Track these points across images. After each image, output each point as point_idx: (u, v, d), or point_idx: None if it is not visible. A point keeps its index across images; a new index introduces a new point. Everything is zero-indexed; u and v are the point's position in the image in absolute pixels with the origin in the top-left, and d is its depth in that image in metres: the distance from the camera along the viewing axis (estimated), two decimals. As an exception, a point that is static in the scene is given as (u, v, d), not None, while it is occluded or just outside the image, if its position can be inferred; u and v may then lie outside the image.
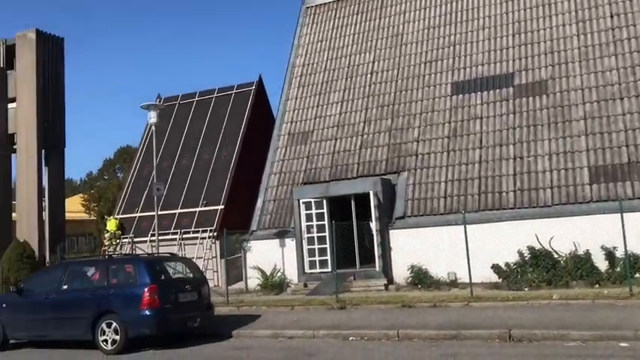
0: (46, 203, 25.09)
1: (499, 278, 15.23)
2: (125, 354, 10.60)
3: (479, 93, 18.54)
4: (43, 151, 25.18)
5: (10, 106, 25.70)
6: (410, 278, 16.22)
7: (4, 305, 12.16)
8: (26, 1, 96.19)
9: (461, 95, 18.78)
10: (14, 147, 25.62)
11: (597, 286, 13.89)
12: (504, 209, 16.12)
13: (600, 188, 15.39)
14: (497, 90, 18.33)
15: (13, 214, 25.79)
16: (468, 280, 14.12)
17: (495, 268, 15.30)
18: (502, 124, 17.62)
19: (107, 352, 10.68)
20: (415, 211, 17.16)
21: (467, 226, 14.18)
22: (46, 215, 24.95)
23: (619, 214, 12.84)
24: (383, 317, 12.20)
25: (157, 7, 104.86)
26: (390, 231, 16.98)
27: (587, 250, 14.50)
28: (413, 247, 16.25)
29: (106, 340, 10.75)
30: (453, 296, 14.03)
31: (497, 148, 17.24)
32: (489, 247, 15.15)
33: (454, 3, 20.88)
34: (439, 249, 15.93)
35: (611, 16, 18.08)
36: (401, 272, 16.52)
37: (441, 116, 18.66)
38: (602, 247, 14.36)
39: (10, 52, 25.96)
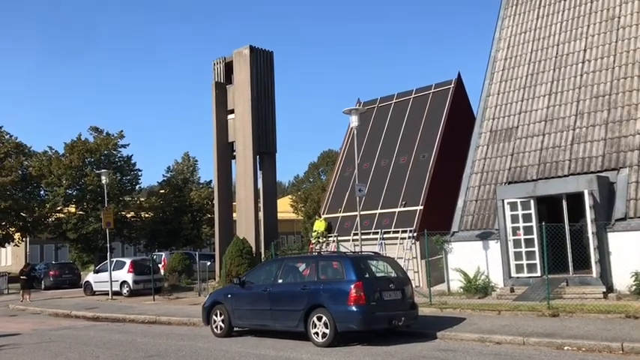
0: (260, 204, 27.49)
1: None
2: (334, 347, 11.10)
3: None
4: (257, 156, 27.65)
5: (229, 117, 28.67)
6: (634, 286, 14.54)
7: (229, 296, 13.43)
8: (238, 17, 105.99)
9: (695, 79, 16.35)
10: (234, 154, 28.51)
11: None
12: None
13: None
14: None
15: (234, 214, 28.72)
16: None
17: None
18: None
19: (318, 344, 11.27)
20: (639, 212, 15.35)
21: None
22: (261, 215, 27.34)
23: None
24: (603, 327, 11.12)
25: (349, 12, 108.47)
26: (609, 234, 15.41)
27: None
28: (637, 252, 14.53)
29: (317, 333, 11.36)
30: (689, 309, 12.27)
31: None
32: None
33: (683, -25, 18.26)
34: (670, 255, 14.04)
35: None
36: (622, 279, 14.89)
37: (669, 105, 16.45)
38: None
39: (229, 68, 28.94)
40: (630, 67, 17.84)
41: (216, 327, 13.31)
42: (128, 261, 26.63)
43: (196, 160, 48.40)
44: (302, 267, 12.97)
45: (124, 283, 25.66)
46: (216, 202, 28.78)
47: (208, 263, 26.81)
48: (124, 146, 43.06)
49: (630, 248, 14.73)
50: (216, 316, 13.36)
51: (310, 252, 21.30)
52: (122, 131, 42.70)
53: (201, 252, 35.77)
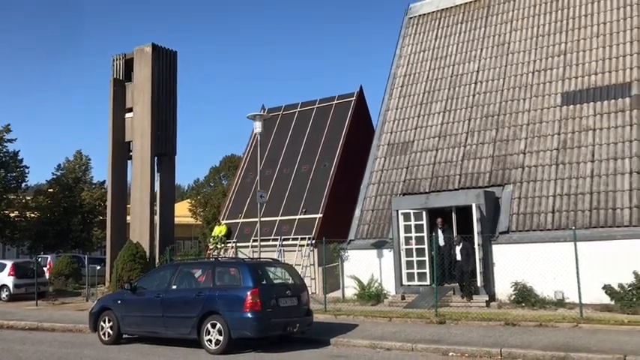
0: (157, 207, 26.67)
1: (611, 300, 14.26)
2: (227, 354, 10.97)
3: (591, 103, 17.55)
4: (155, 158, 26.82)
5: (127, 115, 27.63)
6: (513, 296, 15.59)
7: (119, 302, 12.93)
8: (141, 16, 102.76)
9: (571, 106, 17.86)
10: (130, 154, 27.47)
11: None
12: (618, 227, 15.10)
13: None
14: (612, 100, 17.26)
15: (128, 217, 27.63)
16: (576, 300, 13.36)
17: (607, 289, 14.33)
18: (617, 136, 16.56)
19: (211, 351, 11.09)
20: (520, 226, 16.49)
21: (577, 243, 13.43)
22: (157, 219, 26.51)
23: None
24: (485, 334, 11.80)
25: (262, 21, 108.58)
26: (493, 246, 16.43)
27: None
28: (517, 264, 15.57)
29: (210, 340, 11.18)
30: (560, 316, 13.32)
31: (612, 161, 16.21)
32: (601, 266, 14.31)
33: (565, 10, 19.94)
34: (545, 266, 15.14)
35: None
36: (503, 289, 15.92)
37: (549, 127, 17.85)
38: None
39: (129, 65, 27.93)
40: (517, 91, 19.19)
41: (104, 334, 12.76)
42: (9, 263, 24.82)
43: (89, 159, 46.12)
44: (198, 273, 12.73)
45: (3, 286, 23.88)
46: (109, 203, 27.55)
47: (98, 267, 25.63)
48: (10, 141, 40.20)
49: (511, 260, 15.76)
50: (105, 322, 12.81)
51: (207, 258, 20.97)
52: (9, 125, 39.82)
53: (91, 255, 34.06)
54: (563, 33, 19.47)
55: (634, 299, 13.81)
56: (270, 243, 21.94)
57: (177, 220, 30.13)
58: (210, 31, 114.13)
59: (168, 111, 27.71)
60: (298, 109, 26.26)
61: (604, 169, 16.20)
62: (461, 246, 16.07)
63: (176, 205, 31.58)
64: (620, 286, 14.20)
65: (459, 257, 16.07)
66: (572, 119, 17.61)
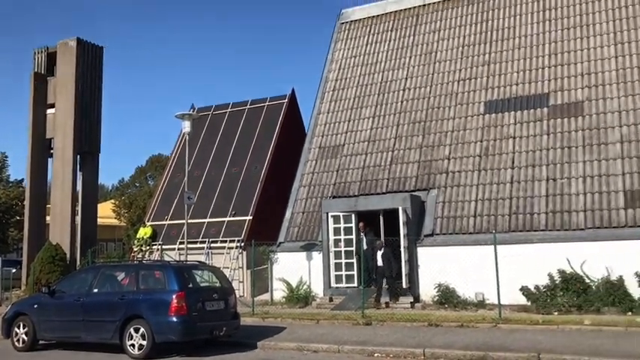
0: (79, 208, 25.61)
1: (528, 301, 14.95)
2: (151, 359, 10.69)
3: (512, 112, 18.37)
4: (78, 156, 25.77)
5: (48, 111, 26.42)
6: (437, 297, 16.05)
7: (35, 306, 12.37)
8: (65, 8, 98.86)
9: (494, 114, 18.63)
10: (51, 151, 26.28)
11: (630, 313, 13.53)
12: (535, 231, 15.87)
13: (635, 213, 15.04)
14: (532, 110, 18.14)
15: (47, 217, 26.40)
16: (495, 302, 13.89)
17: (524, 290, 15.03)
18: (535, 144, 17.41)
19: (134, 356, 10.80)
20: (444, 229, 17.02)
21: (497, 246, 14.01)
22: (78, 219, 25.46)
23: (655, 241, 12.54)
24: (409, 335, 12.08)
25: (189, 19, 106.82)
26: (418, 248, 16.86)
27: (621, 276, 14.14)
28: (441, 266, 16.05)
29: (133, 345, 10.87)
30: (480, 317, 13.82)
31: (530, 168, 17.02)
32: (519, 269, 14.94)
33: (489, 22, 20.81)
34: (467, 268, 15.69)
35: (651, 39, 17.79)
36: (428, 290, 16.36)
37: (472, 135, 18.53)
38: (636, 274, 14.02)
39: (51, 59, 26.73)
40: (443, 98, 19.80)
41: (18, 340, 12.15)
42: None
43: (6, 156, 43.78)
44: (121, 276, 12.35)
45: None
46: (27, 203, 26.20)
47: (14, 270, 24.31)
48: None
49: (435, 262, 16.21)
50: (19, 328, 12.20)
51: (131, 260, 20.36)
52: None
53: (5, 257, 32.28)
54: (487, 44, 20.29)
55: (548, 300, 14.54)
56: (198, 245, 21.57)
57: (100, 221, 29.04)
58: (140, 28, 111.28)
59: (93, 108, 26.71)
60: (229, 110, 25.99)
61: (523, 175, 16.98)
62: (382, 251, 16.34)
63: (99, 205, 30.41)
64: (536, 287, 14.92)
65: (380, 262, 16.31)
66: (494, 127, 18.36)
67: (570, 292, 14.39)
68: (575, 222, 15.55)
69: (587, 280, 14.51)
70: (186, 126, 17.01)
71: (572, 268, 14.71)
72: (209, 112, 26.21)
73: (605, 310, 13.85)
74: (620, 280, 14.12)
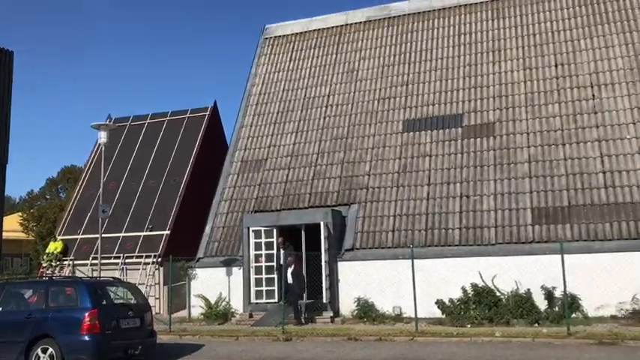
0: (-18, 220, 24.01)
1: (443, 314, 15.43)
2: (60, 382, 10.16)
3: (429, 131, 19.06)
4: (-17, 166, 24.21)
5: (-50, 117, 24.69)
6: (356, 311, 16.25)
7: None
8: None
9: (412, 133, 19.25)
10: (-48, 160, 24.54)
11: (537, 324, 14.25)
12: (450, 246, 16.46)
13: (542, 229, 15.93)
14: (447, 130, 18.88)
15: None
16: (413, 315, 14.27)
17: (440, 304, 15.50)
18: (450, 162, 18.11)
19: (40, 379, 10.21)
20: (364, 243, 17.31)
21: (414, 260, 14.39)
22: (-19, 233, 23.85)
23: (559, 255, 13.33)
24: (329, 350, 12.15)
25: (108, 27, 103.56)
26: (339, 263, 17.03)
27: (529, 289, 14.88)
28: (360, 280, 16.31)
29: (40, 367, 10.28)
30: (397, 330, 14.13)
31: (445, 185, 17.67)
32: (434, 282, 15.41)
33: (408, 44, 21.58)
34: (385, 283, 16.05)
35: (556, 66, 19.04)
36: (347, 305, 16.54)
37: (392, 152, 19.04)
38: (542, 287, 14.75)
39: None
40: (364, 116, 20.26)
41: None
42: None
43: None
44: (28, 293, 11.65)
45: None
46: None
47: None
48: None
49: (355, 276, 16.46)
50: None
51: (40, 276, 19.29)
52: None
53: None
54: (406, 65, 21.00)
55: (462, 313, 15.07)
56: (112, 261, 20.75)
57: (5, 235, 27.29)
58: (54, 35, 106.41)
59: (1, 115, 25.23)
60: (148, 121, 25.33)
61: (438, 192, 17.60)
62: (292, 268, 16.22)
63: (5, 218, 28.65)
64: (451, 300, 15.44)
65: (289, 280, 16.14)
66: (411, 145, 18.96)
67: (482, 305, 14.98)
68: (487, 237, 16.27)
69: (498, 294, 15.17)
70: (103, 136, 16.48)
71: (483, 281, 15.34)
72: (127, 122, 25.44)
73: (514, 322, 14.52)
74: (528, 292, 14.86)
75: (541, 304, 14.74)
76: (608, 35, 19.10)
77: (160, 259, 20.39)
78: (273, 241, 17.37)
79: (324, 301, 16.55)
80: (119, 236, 21.61)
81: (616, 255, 14.59)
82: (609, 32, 19.16)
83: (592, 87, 18.19)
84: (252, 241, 17.55)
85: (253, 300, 17.37)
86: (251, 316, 16.98)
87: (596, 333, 12.52)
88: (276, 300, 16.93)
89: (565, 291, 13.38)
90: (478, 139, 18.31)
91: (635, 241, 14.83)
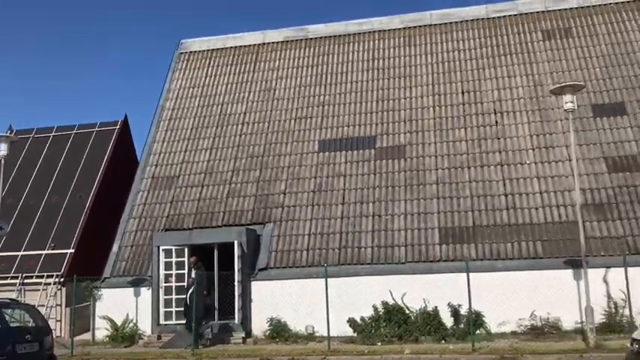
0: None
1: (354, 332, 15.60)
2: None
3: (343, 152, 19.40)
4: None
5: None
6: (268, 331, 16.11)
7: None
8: None
9: (327, 153, 19.53)
10: None
11: (444, 341, 14.71)
12: (362, 264, 16.72)
13: (449, 249, 16.55)
14: (360, 151, 19.31)
15: None
16: (325, 334, 14.34)
17: (351, 322, 15.68)
18: (363, 182, 18.51)
19: None
20: (278, 262, 17.25)
21: (327, 279, 14.49)
22: None
23: (464, 274, 13.90)
24: (240, 371, 11.95)
25: (16, 33, 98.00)
26: (252, 282, 16.86)
27: (436, 307, 15.36)
28: (273, 300, 16.22)
29: None
30: (310, 350, 14.14)
31: (358, 205, 18.01)
32: (347, 301, 15.59)
33: (324, 66, 21.99)
34: (299, 302, 16.04)
35: (463, 93, 20.04)
36: (260, 325, 16.36)
37: (307, 171, 19.20)
38: (448, 304, 15.25)
39: None
40: (281, 135, 20.34)
41: None
42: None
43: None
44: None
45: None
46: None
47: None
48: None
49: (268, 296, 16.35)
50: None
51: None
52: None
53: None
54: (322, 86, 21.36)
55: (373, 331, 15.31)
56: (9, 281, 19.45)
57: None
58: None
59: None
60: (53, 134, 24.14)
61: (352, 211, 17.91)
62: (191, 290, 15.60)
63: None
64: (362, 319, 15.66)
65: (189, 302, 15.51)
66: (327, 165, 19.22)
67: (392, 323, 15.29)
68: (397, 256, 16.69)
69: (407, 311, 15.55)
70: (2, 149, 15.52)
71: (394, 299, 15.69)
72: (30, 135, 24.10)
73: (422, 339, 14.92)
74: (436, 310, 15.35)
75: (448, 321, 15.25)
76: (511, 66, 20.40)
77: (62, 279, 19.34)
78: (184, 261, 16.94)
79: (236, 321, 16.28)
80: (18, 254, 20.32)
81: (516, 273, 15.42)
82: (511, 63, 20.46)
83: (495, 114, 19.28)
84: (163, 260, 17.03)
85: (162, 321, 16.80)
86: (159, 337, 16.40)
87: (498, 348, 13.11)
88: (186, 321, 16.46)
89: (470, 308, 13.94)
90: (390, 161, 18.84)
91: (534, 260, 15.73)
